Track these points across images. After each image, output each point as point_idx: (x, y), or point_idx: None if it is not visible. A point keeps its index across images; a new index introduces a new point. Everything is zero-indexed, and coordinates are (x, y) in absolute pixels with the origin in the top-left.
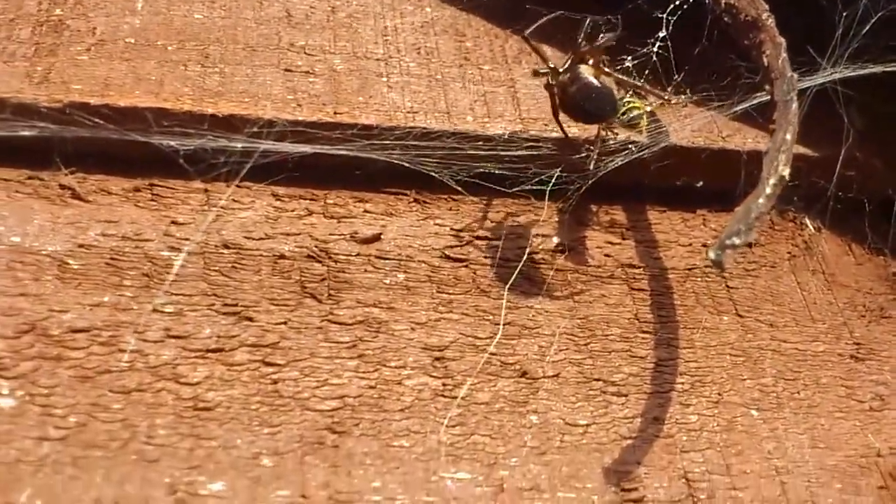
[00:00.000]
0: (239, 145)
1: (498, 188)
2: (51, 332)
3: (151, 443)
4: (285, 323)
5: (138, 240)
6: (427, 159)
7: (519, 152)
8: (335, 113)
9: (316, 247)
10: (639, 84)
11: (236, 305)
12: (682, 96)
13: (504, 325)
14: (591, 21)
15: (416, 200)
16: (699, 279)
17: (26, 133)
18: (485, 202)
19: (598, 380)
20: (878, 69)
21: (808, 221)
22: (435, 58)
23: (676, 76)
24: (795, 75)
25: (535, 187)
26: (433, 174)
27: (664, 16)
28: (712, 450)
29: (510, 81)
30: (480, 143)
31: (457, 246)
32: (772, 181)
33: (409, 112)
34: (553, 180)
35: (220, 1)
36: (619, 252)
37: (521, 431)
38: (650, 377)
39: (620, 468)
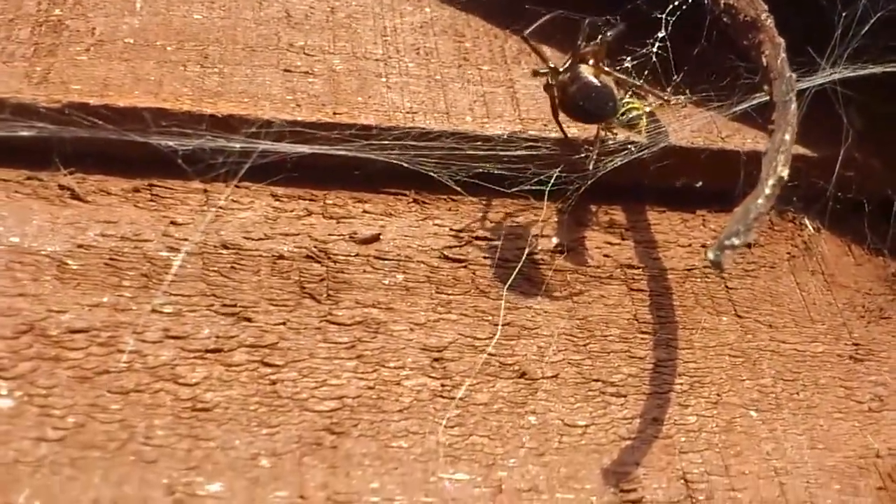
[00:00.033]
0: (237, 145)
1: (497, 188)
2: (49, 332)
3: (150, 443)
4: (284, 323)
5: (137, 240)
6: (426, 159)
7: (518, 152)
8: (334, 113)
9: (315, 247)
10: (638, 84)
11: (235, 306)
12: (682, 97)
13: (503, 325)
14: (591, 21)
15: (415, 201)
16: (698, 280)
17: (25, 133)
18: (484, 202)
19: (596, 380)
20: (877, 69)
21: (807, 222)
22: (434, 58)
23: (676, 76)
24: (794, 76)
25: (534, 187)
26: (432, 174)
27: (663, 16)
28: (711, 451)
29: (509, 82)
30: (479, 143)
31: (456, 246)
32: (770, 182)
33: (408, 112)
34: (552, 180)
35: (219, 1)
36: (618, 252)
37: (520, 432)
38: (649, 378)
39: (619, 469)
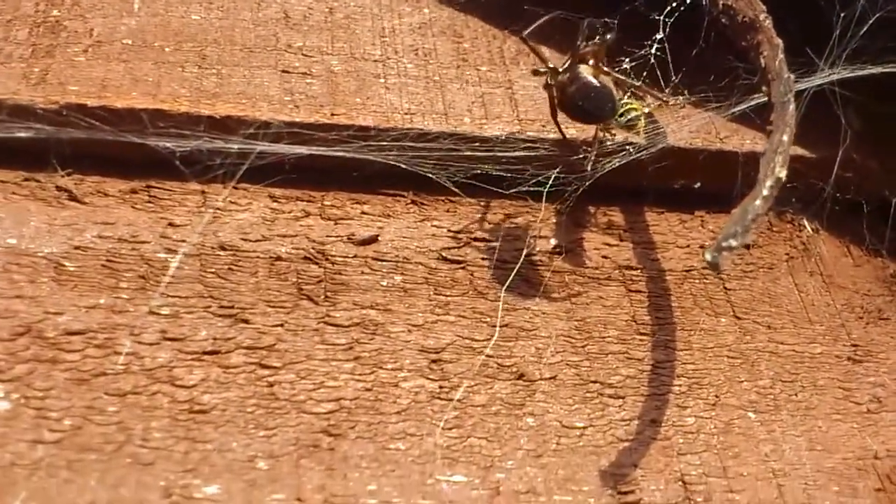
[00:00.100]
0: (235, 147)
1: (495, 189)
2: (46, 334)
3: (146, 446)
4: (282, 325)
5: (135, 242)
6: (424, 161)
7: (516, 153)
8: (332, 114)
9: (313, 248)
10: (637, 85)
11: (232, 307)
12: (680, 97)
13: (501, 327)
14: (590, 22)
15: (413, 202)
16: (697, 281)
17: (23, 134)
18: (482, 204)
19: (595, 382)
20: (875, 70)
21: (806, 223)
22: (432, 59)
23: (674, 78)
24: (792, 76)
25: (532, 189)
26: (430, 175)
27: (661, 18)
28: (709, 452)
29: (508, 82)
30: (477, 144)
31: (454, 248)
32: (768, 183)
33: (406, 113)
34: (550, 181)
35: (217, 2)
36: (616, 254)
37: (518, 434)
38: (647, 379)
39: (617, 471)
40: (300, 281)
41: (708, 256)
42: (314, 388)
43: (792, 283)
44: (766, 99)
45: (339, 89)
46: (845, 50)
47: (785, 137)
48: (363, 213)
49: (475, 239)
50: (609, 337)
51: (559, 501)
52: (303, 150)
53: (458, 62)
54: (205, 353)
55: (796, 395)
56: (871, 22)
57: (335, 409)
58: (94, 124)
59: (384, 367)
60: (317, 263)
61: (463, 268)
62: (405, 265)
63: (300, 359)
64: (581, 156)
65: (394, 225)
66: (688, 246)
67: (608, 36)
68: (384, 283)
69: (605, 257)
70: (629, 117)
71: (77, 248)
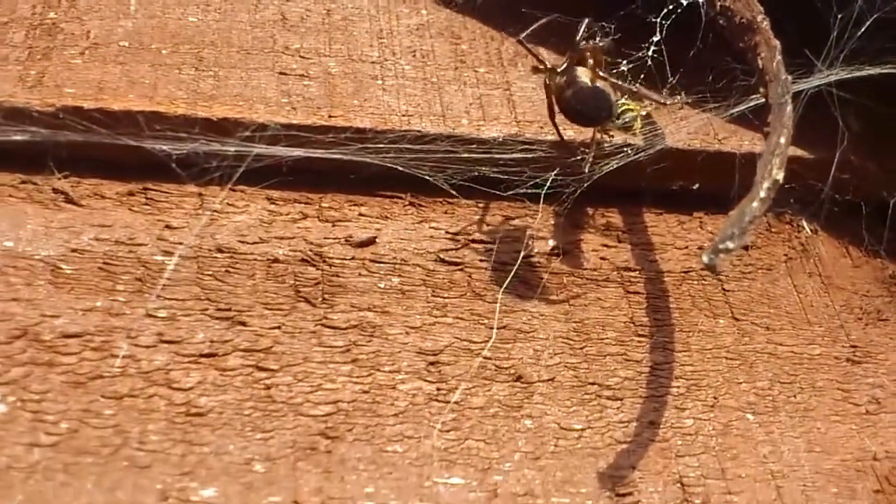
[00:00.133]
0: (231, 149)
1: (493, 191)
2: (43, 337)
3: (143, 449)
4: (279, 327)
5: (132, 244)
6: (422, 163)
7: (514, 155)
8: (329, 116)
9: (310, 251)
10: (634, 90)
11: (230, 310)
12: (678, 97)
13: (499, 328)
14: (589, 21)
15: (411, 204)
16: (695, 282)
17: (19, 137)
18: (480, 205)
19: (593, 384)
20: (873, 71)
21: (804, 224)
22: (430, 61)
23: (672, 79)
24: (790, 78)
25: (530, 190)
26: (428, 178)
27: (658, 20)
28: (707, 454)
29: (506, 84)
30: (475, 145)
31: (452, 249)
32: (766, 185)
33: (404, 115)
34: (548, 183)
35: (214, 4)
36: (614, 255)
37: (516, 436)
38: (646, 381)
39: (615, 473)
40: (297, 283)
41: (705, 258)
42: (311, 390)
43: (790, 284)
44: (763, 100)
45: (337, 91)
46: (843, 51)
47: (782, 139)
48: (361, 215)
49: (473, 241)
50: (607, 338)
51: (557, 503)
52: (299, 152)
53: (455, 64)
54: (202, 355)
55: (795, 396)
56: (868, 23)
57: (332, 411)
58: (90, 127)
59: (382, 370)
60: (314, 265)
61: (461, 269)
62: (403, 267)
63: (297, 361)
64: (579, 157)
65: (391, 227)
66: (686, 247)
67: (607, 40)
68: (382, 285)
69: (603, 259)
70: (626, 118)
71: (74, 250)
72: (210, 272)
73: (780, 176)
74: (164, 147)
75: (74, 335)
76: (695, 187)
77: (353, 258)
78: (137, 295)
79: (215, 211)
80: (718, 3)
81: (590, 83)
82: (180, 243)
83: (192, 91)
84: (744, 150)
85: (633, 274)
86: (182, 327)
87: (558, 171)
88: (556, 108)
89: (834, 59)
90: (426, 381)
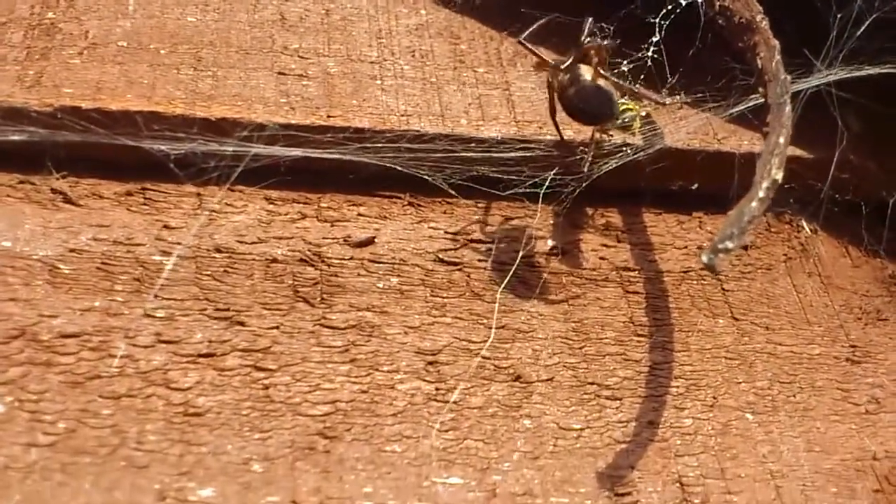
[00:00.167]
0: (230, 149)
1: (492, 191)
2: (41, 337)
3: (141, 449)
4: (277, 327)
5: (130, 244)
6: (421, 162)
7: (513, 155)
8: (328, 116)
9: (309, 251)
10: (635, 91)
11: (228, 310)
12: (677, 96)
13: (497, 328)
14: (593, 19)
15: (409, 204)
16: (694, 282)
17: (17, 137)
18: (479, 205)
19: (592, 383)
20: (872, 71)
21: (804, 224)
22: (429, 60)
23: (671, 79)
24: (789, 78)
25: (529, 190)
26: (427, 177)
27: (657, 20)
28: (707, 454)
29: (505, 84)
30: (474, 145)
31: (451, 249)
32: (765, 185)
33: (402, 115)
34: (547, 183)
35: (213, 4)
36: (613, 255)
37: (515, 436)
38: (645, 381)
39: (614, 472)
40: (296, 283)
41: (704, 258)
42: (310, 390)
43: (790, 283)
44: (763, 100)
45: (336, 91)
46: (842, 51)
47: (781, 139)
48: (359, 214)
49: (472, 240)
50: (606, 338)
51: (556, 503)
52: (297, 152)
53: (454, 64)
54: (200, 355)
55: (794, 396)
56: (868, 23)
57: (331, 411)
58: (88, 127)
59: (380, 370)
60: (313, 265)
61: (460, 269)
62: (402, 267)
63: (296, 361)
64: (578, 157)
65: (390, 227)
66: (685, 247)
67: (608, 42)
68: (380, 285)
69: (602, 258)
70: (626, 118)
71: (72, 250)
72: (208, 272)
73: (780, 176)
74: (163, 147)
75: (72, 335)
76: (694, 187)
77: (351, 258)
78: (136, 295)
79: (214, 211)
80: (717, 3)
81: (592, 83)
82: (178, 243)
83: (190, 91)
84: (743, 150)
85: (632, 274)
86: (180, 327)
87: (557, 171)
88: (558, 106)
89: (833, 59)
90: (425, 380)
